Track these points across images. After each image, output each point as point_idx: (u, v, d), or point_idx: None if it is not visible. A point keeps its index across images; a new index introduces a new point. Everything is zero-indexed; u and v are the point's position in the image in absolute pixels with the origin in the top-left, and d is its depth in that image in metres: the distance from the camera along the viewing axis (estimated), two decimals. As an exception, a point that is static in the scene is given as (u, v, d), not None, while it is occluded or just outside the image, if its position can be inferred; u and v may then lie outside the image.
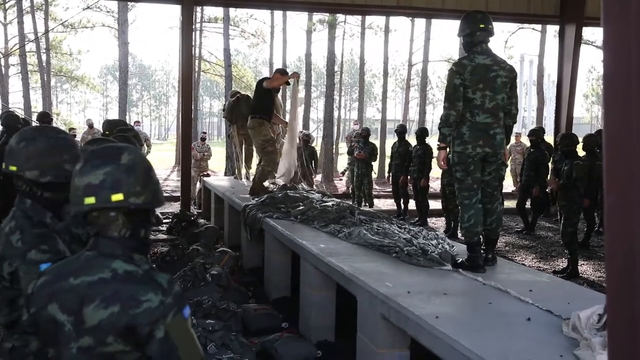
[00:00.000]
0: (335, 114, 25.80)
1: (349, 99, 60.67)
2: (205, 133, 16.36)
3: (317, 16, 23.26)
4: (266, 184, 8.50)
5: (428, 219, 11.46)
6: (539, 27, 24.36)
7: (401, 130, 12.12)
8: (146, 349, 1.63)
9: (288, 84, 8.58)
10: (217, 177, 16.26)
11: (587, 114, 68.31)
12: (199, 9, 23.10)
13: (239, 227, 7.60)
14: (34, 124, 10.73)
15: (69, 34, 29.28)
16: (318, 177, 20.01)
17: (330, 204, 6.72)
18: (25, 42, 24.89)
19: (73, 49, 35.95)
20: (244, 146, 10.51)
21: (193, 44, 14.99)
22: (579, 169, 7.39)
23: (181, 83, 13.23)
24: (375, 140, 18.00)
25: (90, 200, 1.67)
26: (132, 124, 15.64)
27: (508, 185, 16.14)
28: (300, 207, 6.65)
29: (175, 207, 12.24)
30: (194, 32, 17.19)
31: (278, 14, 25.84)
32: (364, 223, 5.99)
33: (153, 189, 1.76)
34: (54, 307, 1.69)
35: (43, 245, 2.12)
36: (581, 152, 8.39)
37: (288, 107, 9.13)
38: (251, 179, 10.72)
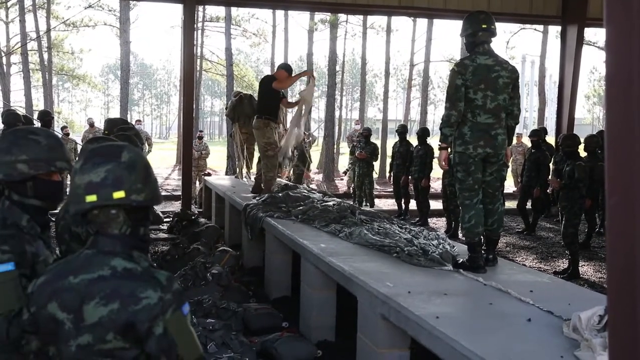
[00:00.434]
0: (337, 113, 25.77)
1: (351, 98, 60.66)
2: (202, 131, 16.30)
3: (318, 16, 23.25)
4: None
5: (429, 219, 11.46)
6: (540, 27, 24.35)
7: (402, 131, 12.12)
8: (145, 345, 1.64)
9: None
10: (218, 176, 16.28)
11: (589, 114, 68.28)
12: (200, 8, 23.09)
13: (240, 227, 7.60)
14: (35, 122, 10.73)
15: (71, 33, 29.29)
16: (318, 177, 20.02)
17: (331, 203, 6.72)
18: (27, 41, 24.90)
19: (75, 47, 36.06)
20: (245, 145, 10.51)
21: (195, 43, 14.99)
22: (580, 170, 7.39)
23: (183, 82, 13.23)
24: (376, 140, 18.01)
25: (92, 198, 1.67)
26: (133, 122, 15.66)
27: (509, 185, 16.12)
28: (301, 207, 6.65)
29: (176, 206, 12.25)
30: (195, 31, 17.17)
31: (280, 13, 25.87)
32: (365, 223, 5.98)
33: (152, 186, 1.77)
34: (53, 305, 1.69)
35: (3, 245, 2.08)
36: (583, 153, 8.38)
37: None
38: (252, 178, 10.74)
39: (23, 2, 24.62)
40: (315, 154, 18.94)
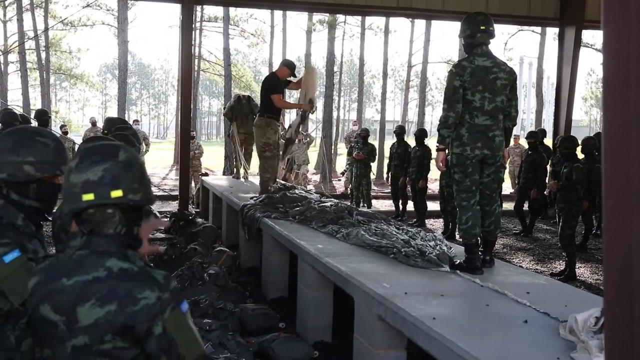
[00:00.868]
0: (335, 114, 25.81)
1: (348, 99, 60.66)
2: (193, 131, 16.12)
3: (317, 16, 23.27)
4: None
5: (426, 220, 11.46)
6: (538, 29, 24.38)
7: (400, 132, 12.11)
8: (145, 345, 1.63)
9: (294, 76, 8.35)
10: (216, 176, 16.27)
11: (586, 116, 68.41)
12: (199, 8, 23.08)
13: (237, 227, 7.59)
14: (32, 121, 10.71)
15: (69, 32, 29.28)
16: (316, 177, 20.02)
17: (328, 204, 6.72)
18: (25, 40, 24.86)
19: (72, 46, 35.91)
20: (243, 146, 10.50)
21: (193, 43, 14.98)
22: (578, 172, 7.40)
23: (180, 82, 13.23)
24: (374, 141, 18.00)
25: (89, 196, 1.66)
26: (131, 122, 15.63)
27: (506, 187, 16.14)
28: (299, 208, 6.65)
29: (173, 206, 12.23)
30: (193, 31, 17.19)
31: (278, 13, 25.86)
32: (362, 224, 5.98)
33: (147, 186, 1.77)
34: (45, 307, 1.68)
35: (3, 239, 2.09)
36: (580, 155, 8.39)
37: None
38: (250, 179, 10.73)
39: (21, 1, 24.59)
40: (313, 154, 18.93)
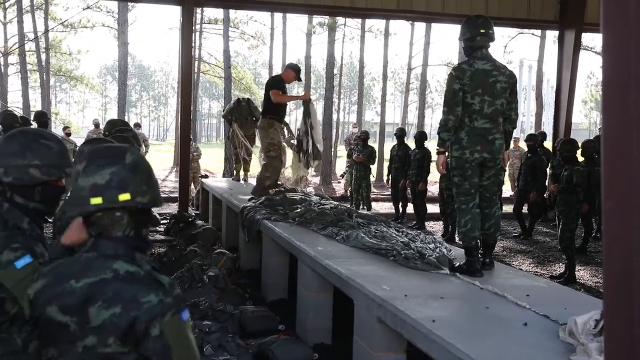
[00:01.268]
0: (334, 116, 25.81)
1: (348, 101, 60.68)
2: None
3: (317, 19, 23.28)
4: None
5: (426, 223, 11.46)
6: (538, 32, 24.39)
7: (401, 134, 12.12)
8: (140, 346, 1.62)
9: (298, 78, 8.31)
10: (216, 178, 16.26)
11: (586, 119, 68.39)
12: (199, 10, 23.10)
13: (237, 229, 7.59)
14: (32, 123, 10.70)
15: (69, 34, 29.29)
16: (315, 180, 20.01)
17: (328, 206, 6.71)
18: (25, 42, 24.88)
19: (72, 48, 36.04)
20: (243, 148, 10.50)
21: (193, 45, 14.98)
22: (579, 175, 7.40)
23: (180, 84, 13.22)
24: (373, 143, 18.00)
25: (97, 200, 1.66)
26: (132, 126, 15.64)
27: (506, 190, 16.14)
28: (298, 210, 6.65)
29: (173, 208, 12.22)
30: (193, 33, 17.18)
31: (278, 16, 25.89)
32: (362, 226, 5.98)
33: (154, 188, 1.77)
34: (53, 309, 1.68)
35: (14, 244, 2.08)
36: (580, 158, 8.40)
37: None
38: (249, 180, 10.73)
39: (21, 3, 24.61)
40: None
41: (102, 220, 1.70)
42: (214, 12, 26.38)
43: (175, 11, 37.32)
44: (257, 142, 9.91)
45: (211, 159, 25.30)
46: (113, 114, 42.36)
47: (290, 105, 8.28)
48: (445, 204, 10.03)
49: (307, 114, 8.18)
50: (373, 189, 14.85)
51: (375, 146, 16.61)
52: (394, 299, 3.62)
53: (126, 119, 22.03)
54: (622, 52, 0.79)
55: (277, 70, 25.47)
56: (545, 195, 10.60)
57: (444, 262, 4.58)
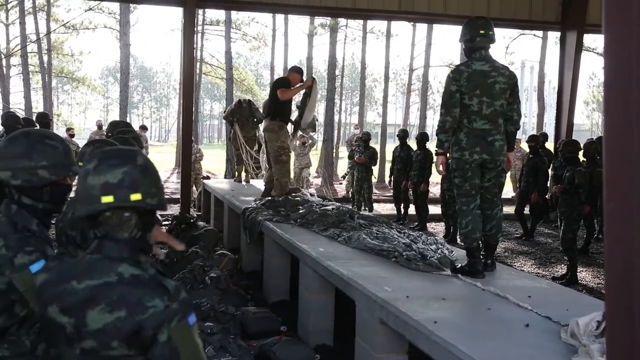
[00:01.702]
0: (336, 117, 25.82)
1: (350, 103, 60.72)
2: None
3: (318, 20, 23.28)
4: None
5: (427, 224, 11.46)
6: (540, 33, 24.36)
7: (403, 135, 12.12)
8: (148, 352, 1.61)
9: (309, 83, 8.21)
10: (217, 179, 16.27)
11: (588, 120, 68.33)
12: (200, 11, 23.12)
13: (239, 230, 7.59)
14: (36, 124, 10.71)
15: (71, 35, 29.27)
16: (317, 181, 20.01)
17: (330, 207, 6.71)
18: (27, 43, 24.90)
19: (75, 50, 35.92)
20: (245, 150, 10.50)
21: (195, 46, 15.00)
22: (581, 176, 7.40)
23: (182, 85, 13.22)
24: (375, 144, 18.02)
25: (108, 199, 1.66)
26: (138, 128, 15.74)
27: (508, 191, 16.13)
28: (300, 211, 6.65)
29: (174, 209, 12.23)
30: (195, 35, 17.20)
31: (280, 17, 25.90)
32: (364, 227, 5.98)
33: (162, 192, 1.78)
34: (53, 309, 1.68)
35: (27, 247, 2.08)
36: (582, 159, 8.39)
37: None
38: (251, 182, 10.73)
39: (23, 5, 24.64)
40: (315, 157, 18.94)
41: (110, 219, 1.70)
42: (215, 14, 26.39)
43: (177, 12, 37.40)
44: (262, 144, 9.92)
45: (213, 160, 25.32)
46: (115, 116, 42.46)
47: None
48: (447, 205, 10.02)
49: (308, 94, 8.13)
50: (375, 190, 14.85)
51: (377, 147, 16.63)
52: (396, 300, 3.62)
53: (128, 121, 22.06)
54: (623, 53, 0.79)
55: (279, 71, 25.53)
56: (547, 196, 10.60)
57: (446, 263, 4.58)
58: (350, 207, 8.62)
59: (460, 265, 4.52)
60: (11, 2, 25.90)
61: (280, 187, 7.83)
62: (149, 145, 15.90)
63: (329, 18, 21.01)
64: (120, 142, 3.72)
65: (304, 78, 8.36)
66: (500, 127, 4.52)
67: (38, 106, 29.06)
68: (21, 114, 17.52)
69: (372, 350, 3.76)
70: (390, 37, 24.19)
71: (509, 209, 11.80)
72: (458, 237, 8.99)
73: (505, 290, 3.95)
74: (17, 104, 25.65)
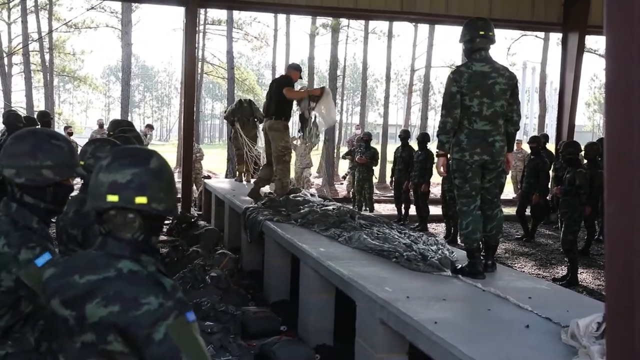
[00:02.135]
0: (337, 118, 25.79)
1: (351, 103, 60.71)
2: None
3: (320, 20, 23.28)
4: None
5: (428, 225, 11.46)
6: (541, 34, 24.36)
7: (405, 136, 12.12)
8: (145, 353, 1.58)
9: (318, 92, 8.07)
10: (218, 179, 16.27)
11: (589, 122, 68.31)
12: (202, 11, 23.12)
13: (239, 230, 7.59)
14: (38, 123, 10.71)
15: (73, 34, 29.31)
16: (318, 181, 20.01)
17: (330, 208, 6.72)
18: (29, 42, 24.92)
19: (76, 49, 36.08)
20: (245, 149, 10.50)
21: (196, 45, 15.01)
22: (581, 177, 7.39)
23: (184, 84, 13.23)
24: (376, 145, 18.01)
25: (114, 198, 1.66)
26: (145, 127, 15.74)
27: (509, 192, 16.13)
28: (301, 211, 6.65)
29: (175, 209, 12.22)
30: (197, 34, 17.19)
31: (281, 17, 25.93)
32: (364, 227, 5.98)
33: (173, 198, 1.77)
34: (56, 302, 1.69)
35: (30, 242, 2.09)
36: (583, 161, 8.39)
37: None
38: (252, 181, 10.72)
39: (25, 3, 24.67)
40: (316, 157, 18.95)
41: (114, 218, 1.70)
42: (217, 13, 26.42)
43: (179, 12, 37.40)
44: (260, 143, 9.92)
45: (214, 160, 25.32)
46: (116, 115, 42.42)
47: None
48: (448, 206, 10.02)
49: (314, 98, 8.03)
50: (375, 191, 14.85)
51: (378, 148, 16.63)
52: (396, 300, 3.62)
53: (129, 120, 22.07)
54: (625, 54, 0.79)
55: (280, 71, 25.50)
56: (548, 197, 10.59)
57: (446, 264, 4.58)
58: (351, 207, 8.62)
59: (460, 266, 4.52)
60: (13, 0, 25.92)
61: (282, 187, 7.80)
62: (151, 144, 15.86)
63: (331, 18, 21.00)
64: (122, 141, 3.73)
65: (302, 75, 8.40)
66: (501, 128, 4.52)
67: (39, 105, 29.05)
68: (23, 112, 17.54)
69: (373, 350, 3.76)
70: (391, 37, 24.18)
71: (510, 210, 11.81)
72: (459, 237, 8.99)
73: (506, 291, 3.95)
74: (18, 103, 25.67)
